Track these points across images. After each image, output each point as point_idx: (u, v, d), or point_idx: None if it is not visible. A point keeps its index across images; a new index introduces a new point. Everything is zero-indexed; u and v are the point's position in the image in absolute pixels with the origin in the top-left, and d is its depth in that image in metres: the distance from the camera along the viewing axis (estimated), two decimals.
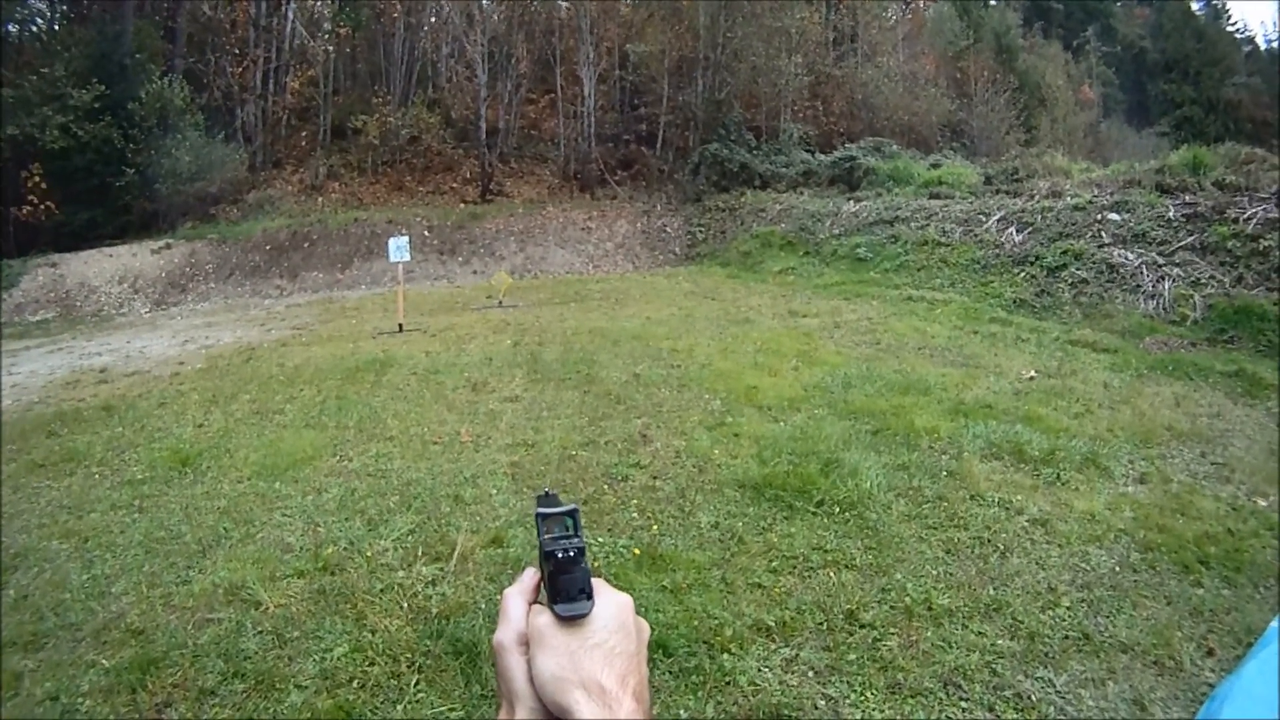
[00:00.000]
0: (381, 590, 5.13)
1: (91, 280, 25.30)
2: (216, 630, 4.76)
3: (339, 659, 4.43)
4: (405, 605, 4.92)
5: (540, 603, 1.00)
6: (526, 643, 0.95)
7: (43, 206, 28.47)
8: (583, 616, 0.93)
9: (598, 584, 0.98)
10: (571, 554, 0.97)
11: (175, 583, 5.41)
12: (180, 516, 6.56)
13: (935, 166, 26.93)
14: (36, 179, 28.36)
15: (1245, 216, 14.11)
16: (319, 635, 4.67)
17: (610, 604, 0.97)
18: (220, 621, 4.85)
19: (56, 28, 36.37)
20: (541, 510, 1.04)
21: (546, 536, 1.01)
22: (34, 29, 36.61)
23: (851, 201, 24.81)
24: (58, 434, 9.41)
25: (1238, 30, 68.95)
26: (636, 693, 0.90)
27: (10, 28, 34.33)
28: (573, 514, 1.04)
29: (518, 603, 1.01)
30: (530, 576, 1.04)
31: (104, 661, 4.53)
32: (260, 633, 4.72)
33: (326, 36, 38.98)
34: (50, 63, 29.82)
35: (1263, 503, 6.31)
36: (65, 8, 38.28)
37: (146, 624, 4.88)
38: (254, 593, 5.13)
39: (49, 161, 28.43)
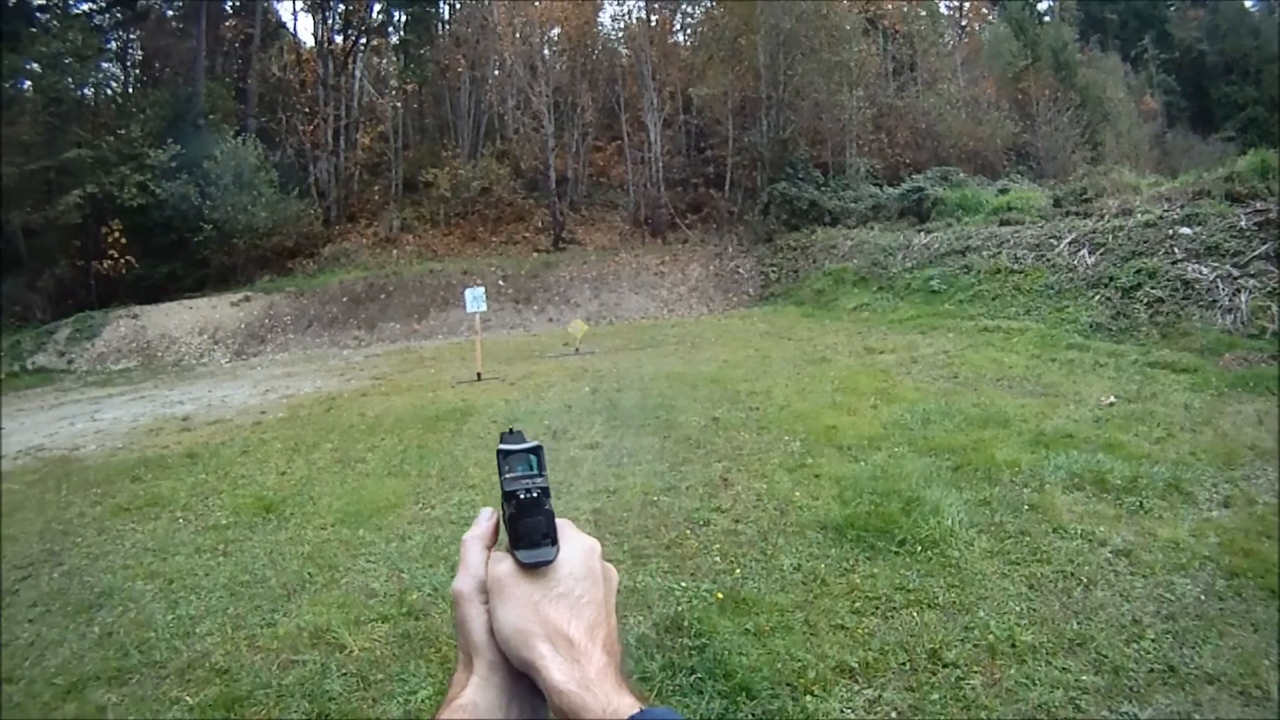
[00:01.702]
0: None
1: (172, 331, 25.97)
2: (301, 671, 4.87)
3: (423, 701, 4.51)
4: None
5: (501, 549, 0.96)
6: (486, 590, 0.92)
7: (123, 260, 29.54)
8: (547, 564, 0.90)
9: (563, 526, 0.95)
10: (534, 495, 0.92)
11: (260, 625, 5.55)
12: (264, 561, 6.73)
13: (1003, 192, 26.84)
14: (116, 234, 29.43)
15: None
16: (403, 678, 4.76)
17: (577, 549, 0.93)
18: (305, 663, 4.97)
19: (130, 90, 37.53)
20: (503, 447, 0.99)
21: (508, 475, 0.96)
22: (109, 92, 37.78)
23: (922, 233, 24.78)
24: (142, 479, 9.72)
25: None
26: (606, 644, 0.87)
27: (86, 90, 35.36)
28: (536, 451, 0.98)
29: (476, 548, 0.97)
30: (487, 518, 1.01)
31: (188, 699, 4.68)
32: (344, 675, 4.82)
33: (394, 93, 39.84)
34: (126, 124, 31.08)
35: None
36: (138, 71, 39.56)
37: (231, 664, 5.02)
38: (338, 636, 5.24)
39: (128, 218, 29.62)
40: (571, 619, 0.87)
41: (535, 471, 0.96)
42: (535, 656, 0.83)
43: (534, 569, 0.89)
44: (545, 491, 0.93)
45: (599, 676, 0.83)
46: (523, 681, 0.88)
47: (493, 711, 0.87)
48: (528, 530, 0.91)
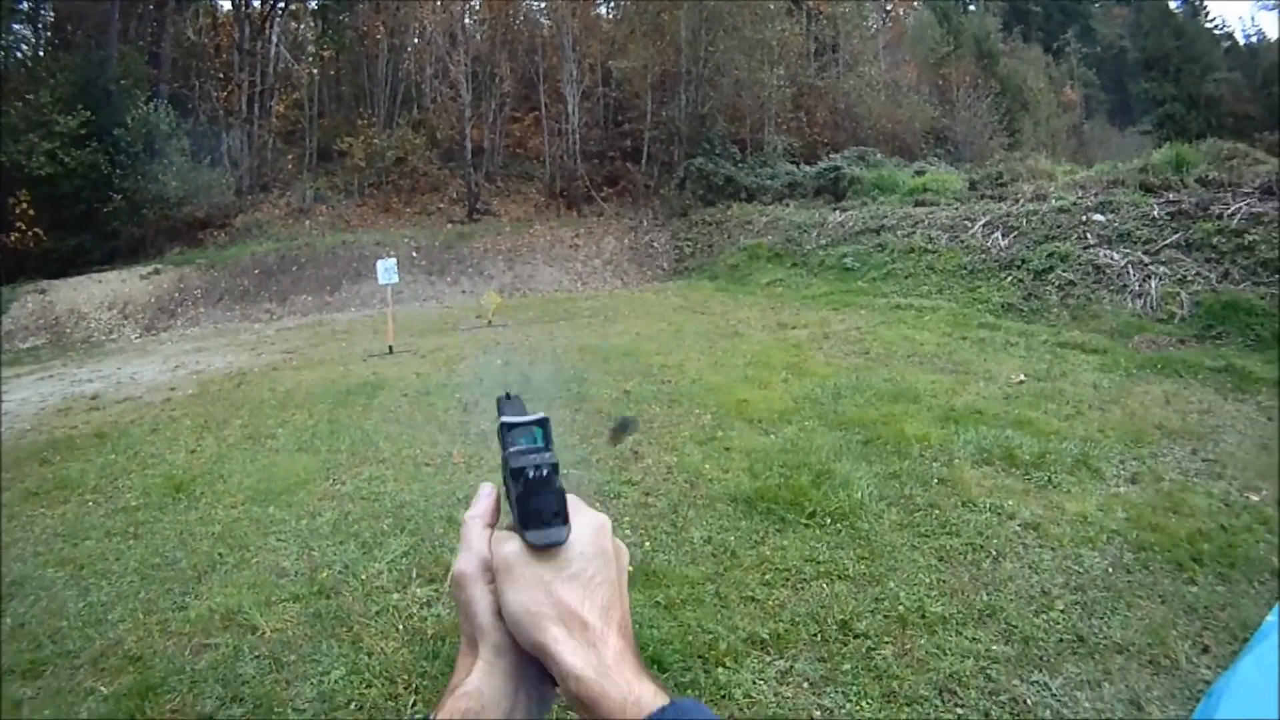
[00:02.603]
0: (377, 613, 5.12)
1: (81, 306, 25.28)
2: (214, 655, 4.76)
3: (336, 682, 4.42)
4: (401, 627, 4.92)
5: (503, 527, 0.91)
6: (490, 571, 0.87)
7: (30, 233, 28.56)
8: (559, 545, 0.84)
9: (572, 502, 0.89)
10: (544, 472, 0.86)
11: (172, 609, 5.41)
12: (175, 543, 6.55)
13: (920, 174, 27.09)
14: (24, 205, 28.44)
15: (1229, 212, 14.18)
16: (316, 659, 4.67)
17: (587, 526, 0.88)
18: (217, 647, 4.85)
19: (41, 54, 36.48)
20: (506, 419, 0.92)
21: (513, 450, 0.89)
22: (19, 55, 36.67)
23: (837, 212, 24.85)
24: (51, 462, 9.40)
25: (1216, 26, 69.35)
26: (621, 626, 0.83)
27: None
28: (543, 423, 0.92)
29: (477, 528, 0.92)
30: (487, 495, 0.96)
31: (102, 688, 4.53)
32: (257, 657, 4.72)
33: (310, 60, 39.26)
34: (35, 89, 29.93)
35: (1255, 498, 6.32)
36: (50, 34, 38.40)
37: (144, 650, 4.88)
38: (250, 618, 5.13)
39: (36, 188, 28.48)
40: (585, 600, 0.82)
41: (543, 445, 0.90)
42: (548, 640, 0.79)
43: (544, 549, 0.84)
44: (555, 468, 0.87)
45: (617, 662, 0.79)
46: (530, 666, 0.84)
47: (499, 697, 0.83)
48: (538, 509, 0.84)
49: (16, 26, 36.66)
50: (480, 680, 0.83)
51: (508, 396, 0.98)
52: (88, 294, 25.85)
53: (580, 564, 0.84)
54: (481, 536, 0.90)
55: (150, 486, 8.08)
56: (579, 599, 0.81)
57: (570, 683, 0.77)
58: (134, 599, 5.58)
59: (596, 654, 0.78)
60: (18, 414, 12.71)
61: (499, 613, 0.84)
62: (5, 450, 10.27)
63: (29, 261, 28.63)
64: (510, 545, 0.85)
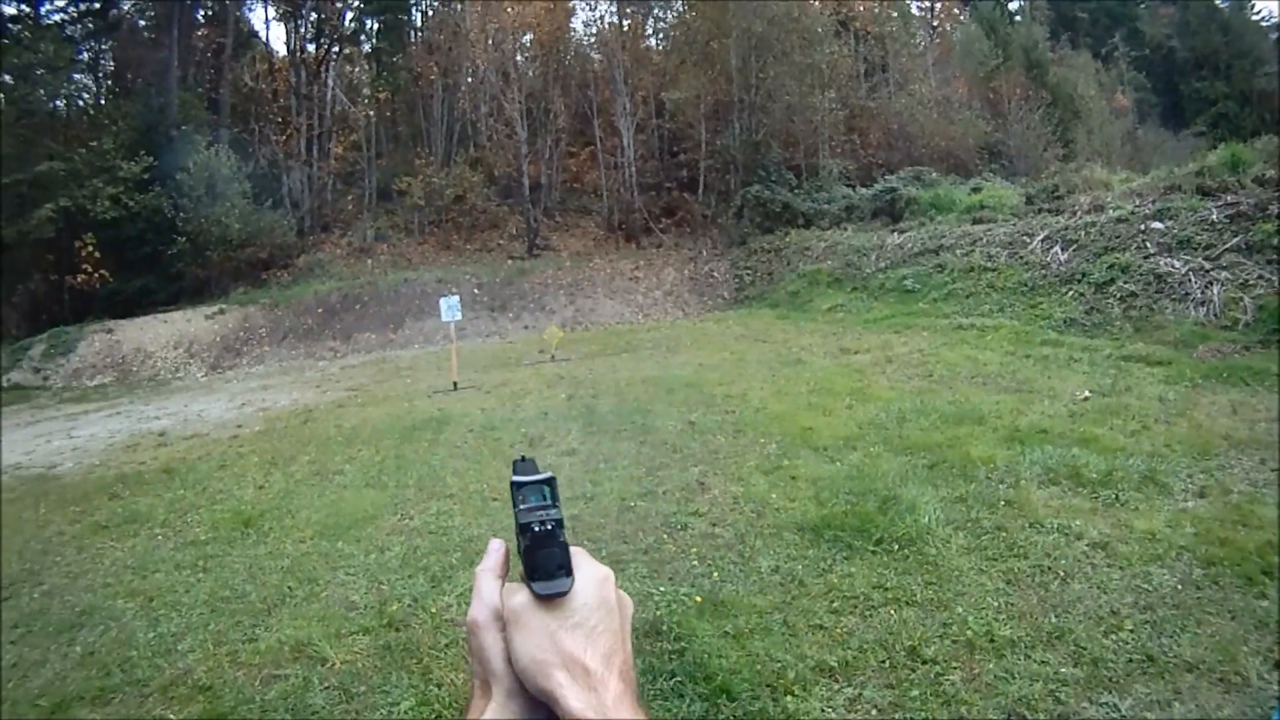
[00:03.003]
0: (446, 645, 5.21)
1: (147, 345, 25.85)
2: (284, 686, 4.86)
3: (406, 713, 4.52)
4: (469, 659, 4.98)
5: (514, 579, 0.96)
6: (502, 619, 0.92)
7: (97, 274, 29.45)
8: (562, 595, 0.90)
9: (577, 556, 0.94)
10: (549, 527, 0.92)
11: (241, 640, 5.53)
12: (244, 576, 6.70)
13: (976, 191, 26.88)
14: (90, 248, 29.34)
15: None
16: (385, 690, 4.76)
17: (591, 579, 0.93)
18: (287, 678, 4.96)
19: (103, 102, 37.42)
20: (517, 479, 0.99)
21: (522, 507, 0.96)
22: (81, 103, 37.57)
23: (895, 233, 24.79)
24: (120, 496, 9.67)
25: (1263, 19, 68.15)
26: (622, 671, 0.87)
27: (58, 103, 35.21)
28: (550, 482, 0.99)
29: (489, 579, 0.97)
30: (497, 550, 1.02)
31: (171, 716, 4.67)
32: (327, 688, 4.82)
33: (366, 102, 39.90)
34: (98, 136, 30.89)
35: None
36: (110, 82, 39.35)
37: (214, 680, 5.00)
38: (320, 650, 5.23)
39: (101, 231, 29.45)
40: (588, 648, 0.87)
41: (549, 503, 0.97)
42: (553, 686, 0.84)
43: (550, 600, 0.89)
44: (559, 524, 0.93)
45: (615, 704, 0.83)
46: (540, 709, 0.88)
47: None
48: (543, 562, 0.91)
49: (77, 76, 37.63)
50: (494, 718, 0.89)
51: (522, 459, 1.05)
52: (154, 333, 26.43)
53: (584, 614, 0.89)
54: (493, 587, 0.96)
55: (219, 521, 8.27)
56: (582, 647, 0.86)
57: None
58: (203, 630, 5.72)
59: (597, 697, 0.83)
60: (86, 449, 13.03)
61: (509, 659, 0.90)
62: (74, 485, 10.63)
63: (95, 302, 29.47)
64: (519, 597, 0.91)
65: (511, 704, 0.89)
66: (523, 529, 0.93)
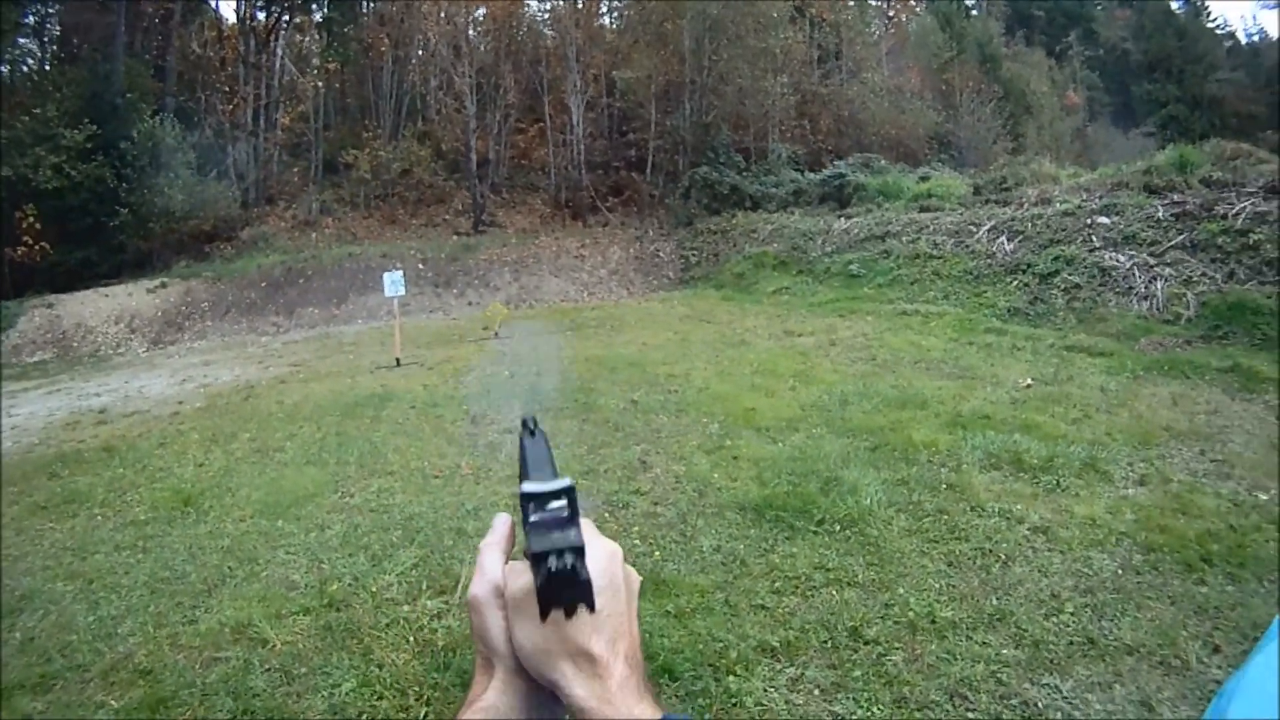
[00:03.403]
0: (387, 625, 5.13)
1: (88, 320, 25.40)
2: (224, 669, 4.77)
3: (347, 694, 4.43)
4: (411, 639, 4.92)
5: (518, 558, 0.89)
6: (504, 597, 0.87)
7: (37, 247, 28.72)
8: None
9: (584, 529, 0.84)
10: (569, 565, 0.78)
11: (182, 622, 5.42)
12: (184, 556, 6.57)
13: (924, 179, 27.13)
14: (31, 219, 28.58)
15: (1234, 212, 14.20)
16: (327, 671, 4.67)
17: (599, 558, 0.85)
18: (228, 660, 4.86)
19: (48, 68, 36.59)
20: (528, 489, 0.83)
21: (534, 520, 0.81)
22: (25, 69, 36.83)
23: (842, 219, 24.89)
24: (59, 475, 9.44)
25: (1218, 26, 69.27)
26: (628, 655, 0.84)
27: (1, 69, 34.45)
28: (569, 491, 0.83)
29: (493, 555, 0.92)
30: (502, 524, 0.96)
31: (113, 702, 4.55)
32: (268, 670, 4.73)
33: (315, 72, 39.27)
34: (42, 103, 30.06)
35: (1264, 497, 6.32)
36: (56, 48, 38.58)
37: (154, 664, 4.89)
38: (260, 631, 5.14)
39: (43, 201, 28.64)
40: (593, 635, 0.82)
41: (568, 518, 0.82)
42: (558, 676, 0.81)
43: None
44: (581, 554, 0.79)
45: (620, 689, 0.81)
46: (543, 689, 0.85)
47: (514, 713, 0.86)
48: (559, 597, 0.79)
49: (22, 40, 36.93)
50: (496, 697, 0.85)
51: (533, 426, 0.95)
52: (94, 308, 25.98)
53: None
54: (496, 562, 0.91)
55: (159, 500, 8.09)
56: (587, 634, 0.81)
57: (577, 713, 0.80)
58: (144, 612, 5.60)
59: (601, 684, 0.80)
60: (25, 428, 12.76)
61: (511, 639, 0.86)
62: (13, 465, 10.33)
63: (36, 275, 28.77)
64: (523, 580, 0.85)
65: (515, 682, 0.86)
66: (536, 559, 0.79)
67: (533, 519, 0.82)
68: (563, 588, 0.79)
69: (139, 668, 4.87)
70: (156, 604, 5.72)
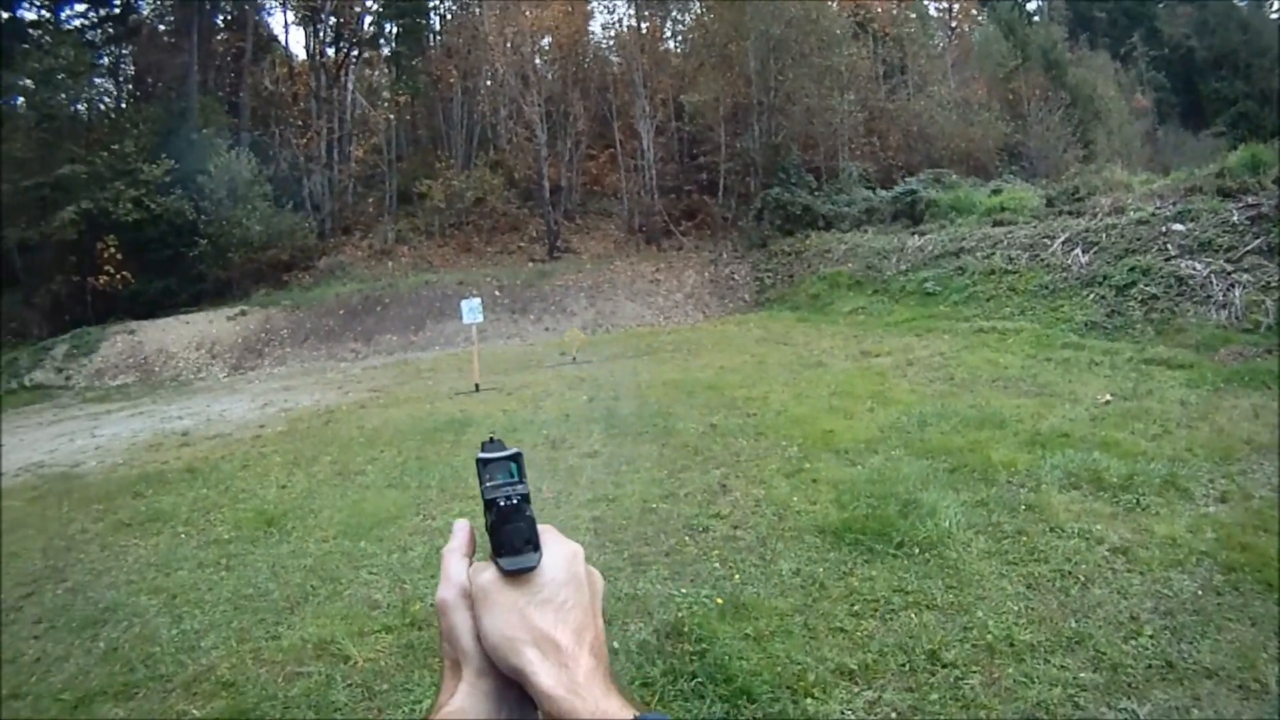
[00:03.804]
0: None
1: (169, 346, 26.04)
2: (306, 684, 4.90)
3: (427, 710, 4.48)
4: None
5: (482, 559, 0.95)
6: (470, 598, 0.91)
7: (119, 276, 29.67)
8: (530, 569, 0.89)
9: (545, 532, 0.94)
10: (515, 501, 0.92)
11: (264, 638, 5.57)
12: (267, 574, 6.76)
13: (996, 193, 26.85)
14: (112, 250, 29.51)
15: None
16: (408, 688, 4.78)
17: (559, 555, 0.92)
18: (310, 675, 4.99)
19: (124, 106, 37.60)
20: (482, 455, 0.98)
21: (488, 484, 0.95)
22: (101, 108, 37.83)
23: (915, 236, 24.82)
24: (143, 495, 9.75)
25: None
26: (593, 647, 0.87)
27: (79, 106, 35.45)
28: (516, 458, 0.98)
29: (455, 559, 0.97)
30: (462, 529, 1.01)
31: (195, 712, 4.71)
32: (350, 686, 4.85)
33: (386, 105, 40.01)
34: (119, 139, 31.09)
35: None
36: (131, 87, 39.62)
37: (237, 677, 5.04)
38: (343, 648, 5.26)
39: (123, 233, 29.68)
40: (558, 624, 0.86)
41: (515, 479, 0.96)
42: (524, 663, 0.83)
43: (517, 576, 0.89)
44: (525, 498, 0.93)
45: (587, 680, 0.83)
46: (510, 688, 0.88)
47: (483, 714, 0.87)
48: (509, 537, 0.90)
49: (98, 80, 37.92)
50: (464, 700, 0.88)
51: (491, 440, 1.03)
52: (176, 334, 26.64)
53: (552, 589, 0.89)
54: (460, 566, 0.96)
55: (242, 520, 8.33)
56: (552, 622, 0.86)
57: (544, 702, 0.81)
58: (227, 627, 5.78)
59: (568, 674, 0.82)
60: (109, 448, 13.13)
61: (479, 637, 0.89)
62: (98, 483, 10.74)
63: (118, 304, 29.71)
64: (486, 574, 0.90)
65: (482, 683, 0.89)
66: (489, 505, 0.92)
67: (488, 482, 0.95)
68: (511, 521, 0.91)
69: (221, 680, 5.03)
70: (240, 620, 5.90)
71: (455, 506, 8.25)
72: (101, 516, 9.01)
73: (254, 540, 7.69)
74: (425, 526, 7.74)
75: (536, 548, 0.91)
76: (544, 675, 0.82)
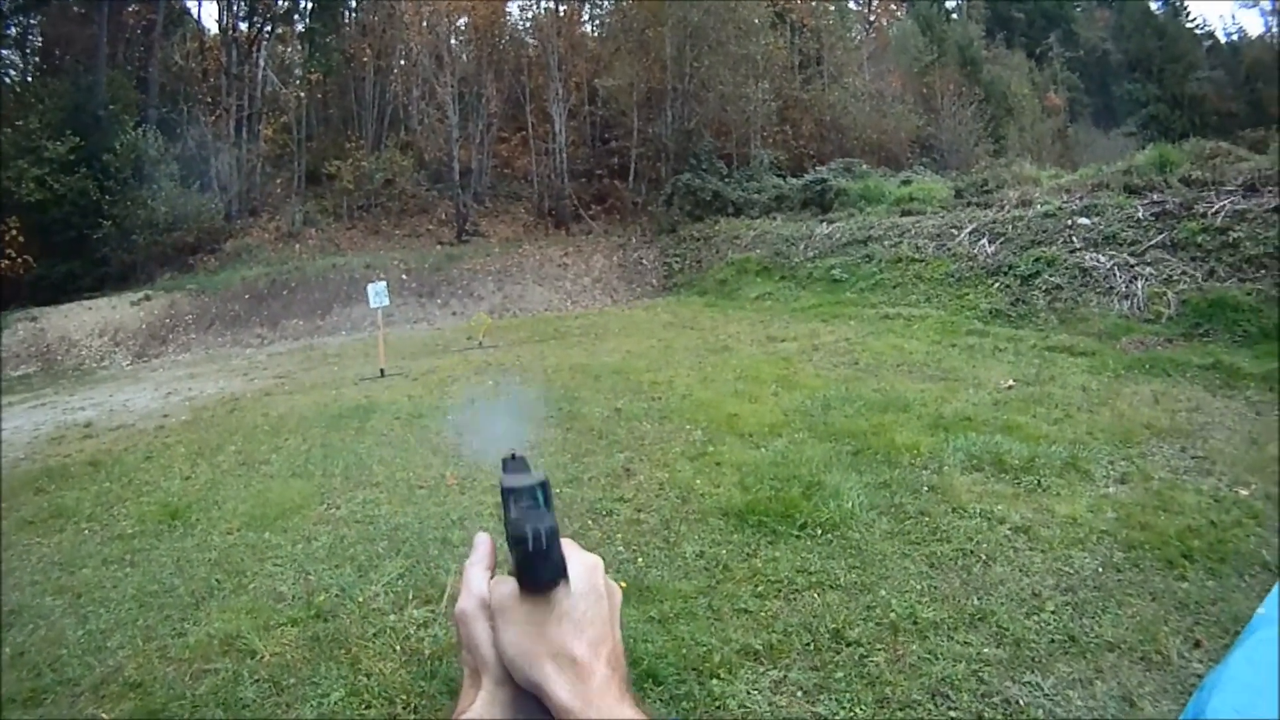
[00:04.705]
0: (374, 634, 5.13)
1: (72, 334, 25.34)
2: (214, 680, 4.77)
3: (335, 704, 4.43)
4: (398, 648, 4.93)
5: (501, 572, 0.94)
6: (490, 610, 0.91)
7: (20, 259, 28.62)
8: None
9: (565, 546, 0.90)
10: (544, 537, 0.86)
11: (171, 635, 5.41)
12: (172, 569, 6.55)
13: (906, 183, 27.21)
14: (13, 232, 28.48)
15: (1213, 211, 14.27)
16: (315, 681, 4.68)
17: (578, 567, 0.90)
18: (217, 672, 4.86)
19: (30, 79, 36.41)
20: (508, 484, 0.92)
21: (515, 515, 0.89)
22: (7, 80, 36.64)
23: (824, 224, 24.98)
24: (46, 490, 9.40)
25: (1197, 26, 69.85)
26: (610, 659, 0.86)
27: None
28: (543, 486, 0.92)
29: (478, 572, 0.96)
30: (484, 543, 1.00)
31: (104, 715, 4.55)
32: (257, 681, 4.74)
33: (298, 83, 39.36)
34: (24, 115, 29.98)
35: (1244, 492, 6.37)
36: (38, 60, 38.39)
37: (144, 677, 4.89)
38: (249, 642, 5.13)
39: (25, 214, 28.55)
40: (575, 638, 0.85)
41: (542, 508, 0.90)
42: (541, 678, 0.83)
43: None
44: (554, 531, 0.87)
45: (601, 692, 0.83)
46: (529, 696, 0.87)
47: None
48: (539, 570, 0.86)
49: (5, 52, 36.71)
50: (482, 709, 0.87)
51: (513, 457, 1.01)
52: (79, 321, 25.91)
53: (571, 603, 0.87)
54: (481, 579, 0.94)
55: (146, 514, 8.07)
56: (570, 636, 0.84)
57: (560, 715, 0.81)
58: (133, 626, 5.59)
59: (584, 686, 0.82)
60: (11, 442, 12.72)
61: (498, 649, 0.88)
62: None
63: (20, 289, 28.66)
64: (506, 587, 0.89)
65: (500, 692, 0.88)
66: (516, 540, 0.87)
67: (514, 512, 0.89)
68: (541, 557, 0.85)
69: (129, 681, 4.86)
70: (145, 617, 5.71)
71: (360, 494, 8.10)
72: (4, 515, 8.70)
73: (158, 534, 7.46)
74: (329, 515, 7.59)
75: (565, 578, 0.88)
76: (560, 689, 0.82)
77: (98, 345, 25.09)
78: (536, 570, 0.86)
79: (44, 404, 16.63)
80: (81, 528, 7.94)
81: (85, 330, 25.60)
